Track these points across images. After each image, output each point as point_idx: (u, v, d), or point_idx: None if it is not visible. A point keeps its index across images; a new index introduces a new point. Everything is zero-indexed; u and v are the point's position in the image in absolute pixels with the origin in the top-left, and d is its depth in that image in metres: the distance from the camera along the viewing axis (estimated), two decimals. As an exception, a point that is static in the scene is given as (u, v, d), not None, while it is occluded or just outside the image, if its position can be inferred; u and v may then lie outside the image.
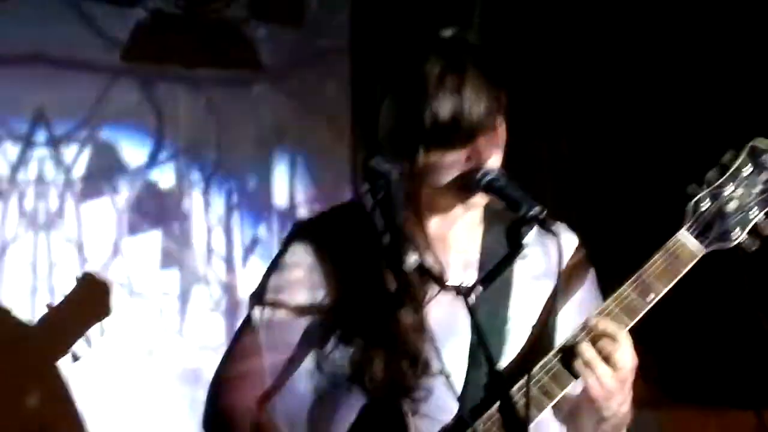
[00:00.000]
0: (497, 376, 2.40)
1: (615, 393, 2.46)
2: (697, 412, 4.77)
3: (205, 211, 5.38)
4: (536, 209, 2.35)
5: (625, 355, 2.44)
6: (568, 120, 4.94)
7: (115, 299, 4.96)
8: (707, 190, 2.53)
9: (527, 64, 4.57)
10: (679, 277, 2.50)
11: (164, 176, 5.34)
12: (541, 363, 2.48)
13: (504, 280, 2.55)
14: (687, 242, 2.51)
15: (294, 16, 5.41)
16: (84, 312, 4.86)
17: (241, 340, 2.62)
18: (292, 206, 5.49)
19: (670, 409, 4.72)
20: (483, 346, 2.37)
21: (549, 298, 2.59)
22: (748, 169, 2.53)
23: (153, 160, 5.33)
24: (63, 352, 4.83)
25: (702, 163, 2.57)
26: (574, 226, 2.67)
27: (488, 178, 2.45)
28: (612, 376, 2.44)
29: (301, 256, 2.57)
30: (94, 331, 4.88)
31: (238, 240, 5.42)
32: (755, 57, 4.80)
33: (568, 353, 2.46)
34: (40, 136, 5.17)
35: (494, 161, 2.49)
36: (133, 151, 5.29)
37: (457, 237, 2.59)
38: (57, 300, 4.89)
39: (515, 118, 2.54)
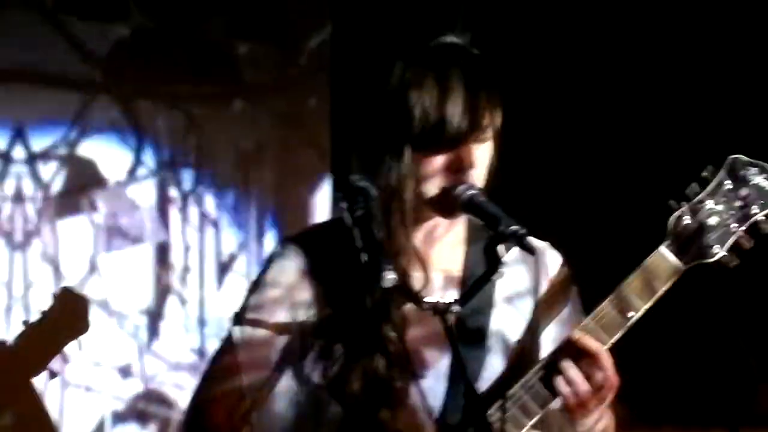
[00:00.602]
0: (474, 395, 2.39)
1: (592, 410, 2.46)
2: (673, 430, 4.78)
3: (183, 228, 5.37)
4: (514, 227, 2.34)
5: (607, 372, 2.44)
6: (549, 136, 4.95)
7: (92, 316, 4.94)
8: (687, 205, 2.52)
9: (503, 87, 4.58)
10: (659, 294, 2.49)
11: (143, 193, 5.32)
12: (521, 381, 2.47)
13: (485, 298, 2.55)
14: (667, 258, 2.50)
15: (275, 34, 5.41)
16: (61, 328, 4.84)
17: (222, 359, 2.60)
18: (271, 224, 5.48)
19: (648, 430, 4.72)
20: (460, 364, 2.37)
21: (531, 316, 2.59)
22: (728, 184, 2.52)
23: (131, 177, 5.31)
24: (40, 369, 4.81)
25: (683, 178, 2.56)
26: (555, 244, 2.66)
27: (468, 194, 2.45)
28: (592, 394, 2.44)
29: (282, 275, 2.57)
30: (71, 347, 4.86)
31: (216, 258, 5.41)
32: (737, 73, 4.82)
33: (549, 371, 2.46)
34: (19, 152, 5.15)
35: (476, 175, 2.49)
36: (112, 167, 5.27)
37: (439, 254, 2.59)
38: (33, 317, 4.87)
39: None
